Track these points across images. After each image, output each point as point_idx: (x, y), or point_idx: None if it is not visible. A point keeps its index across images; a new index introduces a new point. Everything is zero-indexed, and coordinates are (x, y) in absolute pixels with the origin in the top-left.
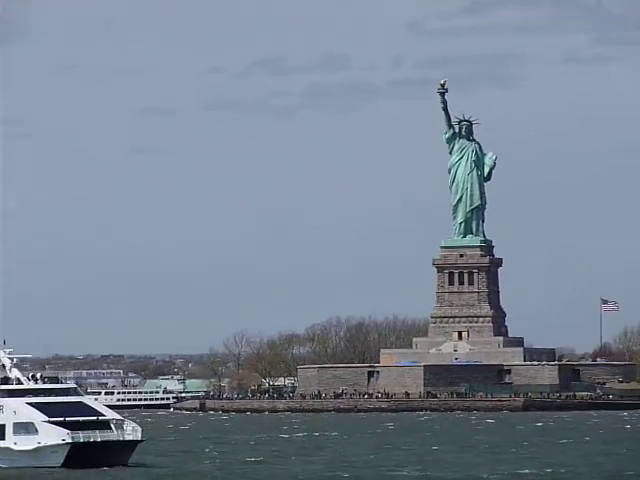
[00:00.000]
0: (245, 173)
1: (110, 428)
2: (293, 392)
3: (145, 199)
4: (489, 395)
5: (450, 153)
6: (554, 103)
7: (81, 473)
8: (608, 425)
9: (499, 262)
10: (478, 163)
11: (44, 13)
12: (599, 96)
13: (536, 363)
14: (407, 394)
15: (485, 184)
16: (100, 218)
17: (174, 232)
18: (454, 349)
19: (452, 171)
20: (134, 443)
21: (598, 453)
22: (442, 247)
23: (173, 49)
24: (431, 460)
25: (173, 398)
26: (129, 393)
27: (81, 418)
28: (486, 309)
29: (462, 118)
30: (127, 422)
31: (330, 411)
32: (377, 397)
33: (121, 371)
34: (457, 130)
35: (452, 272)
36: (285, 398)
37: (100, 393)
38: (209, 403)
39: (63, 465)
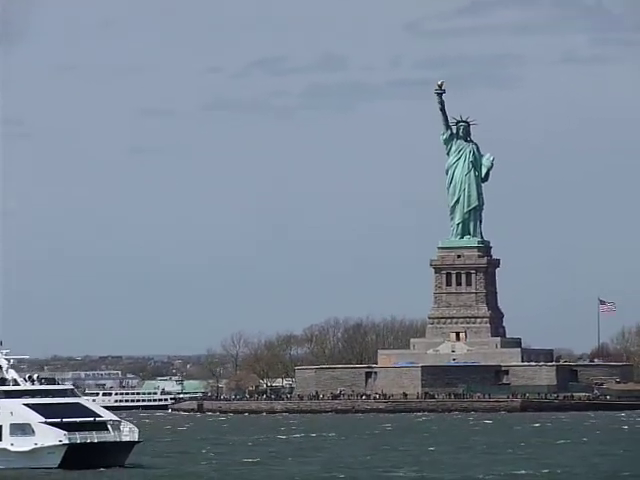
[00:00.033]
0: (244, 173)
1: (107, 429)
2: (291, 393)
3: (145, 199)
4: (487, 396)
5: (447, 154)
6: (552, 104)
7: (78, 474)
8: (605, 426)
9: (497, 263)
10: (476, 164)
11: (44, 13)
12: (598, 96)
13: (534, 364)
14: (405, 395)
15: (483, 185)
16: (100, 218)
17: (173, 232)
18: (452, 350)
19: (449, 172)
20: (131, 444)
21: (595, 454)
22: (440, 248)
23: (173, 49)
24: (428, 461)
25: (171, 399)
26: (127, 394)
27: (78, 419)
28: (484, 310)
29: (459, 119)
30: (124, 423)
31: (328, 412)
32: (375, 398)
33: (119, 372)
34: (454, 131)
35: (450, 273)
36: (283, 399)
37: (98, 394)
38: (207, 404)
39: (60, 466)
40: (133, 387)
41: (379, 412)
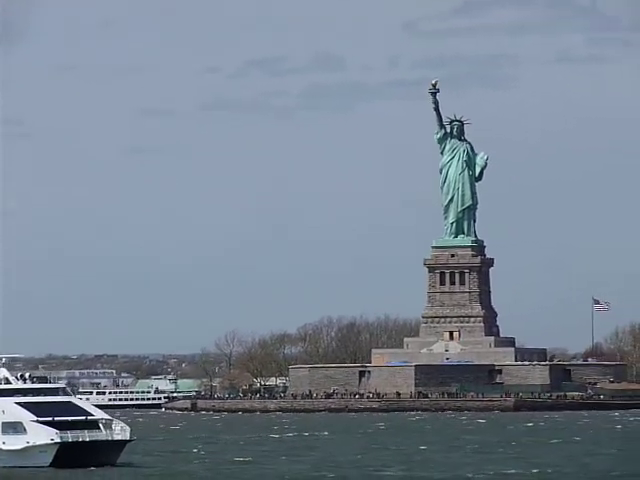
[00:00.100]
0: (242, 173)
1: (99, 428)
2: (284, 392)
3: (144, 199)
4: (480, 395)
5: (441, 153)
6: (547, 103)
7: (69, 473)
8: (599, 425)
9: (490, 262)
10: (469, 163)
11: (44, 13)
12: (592, 97)
13: (527, 363)
14: (398, 394)
15: (476, 184)
16: (100, 218)
17: (170, 232)
18: (445, 349)
19: (443, 171)
20: (123, 443)
21: (586, 453)
22: (433, 247)
23: (172, 49)
24: (419, 460)
25: (165, 398)
26: (121, 393)
27: (70, 418)
28: (477, 309)
29: (453, 118)
30: (116, 422)
31: (321, 411)
32: (368, 397)
33: (114, 371)
34: (448, 130)
35: (443, 272)
36: (276, 398)
37: (92, 393)
38: (200, 403)
39: (51, 465)
40: (127, 386)
41: (372, 411)
